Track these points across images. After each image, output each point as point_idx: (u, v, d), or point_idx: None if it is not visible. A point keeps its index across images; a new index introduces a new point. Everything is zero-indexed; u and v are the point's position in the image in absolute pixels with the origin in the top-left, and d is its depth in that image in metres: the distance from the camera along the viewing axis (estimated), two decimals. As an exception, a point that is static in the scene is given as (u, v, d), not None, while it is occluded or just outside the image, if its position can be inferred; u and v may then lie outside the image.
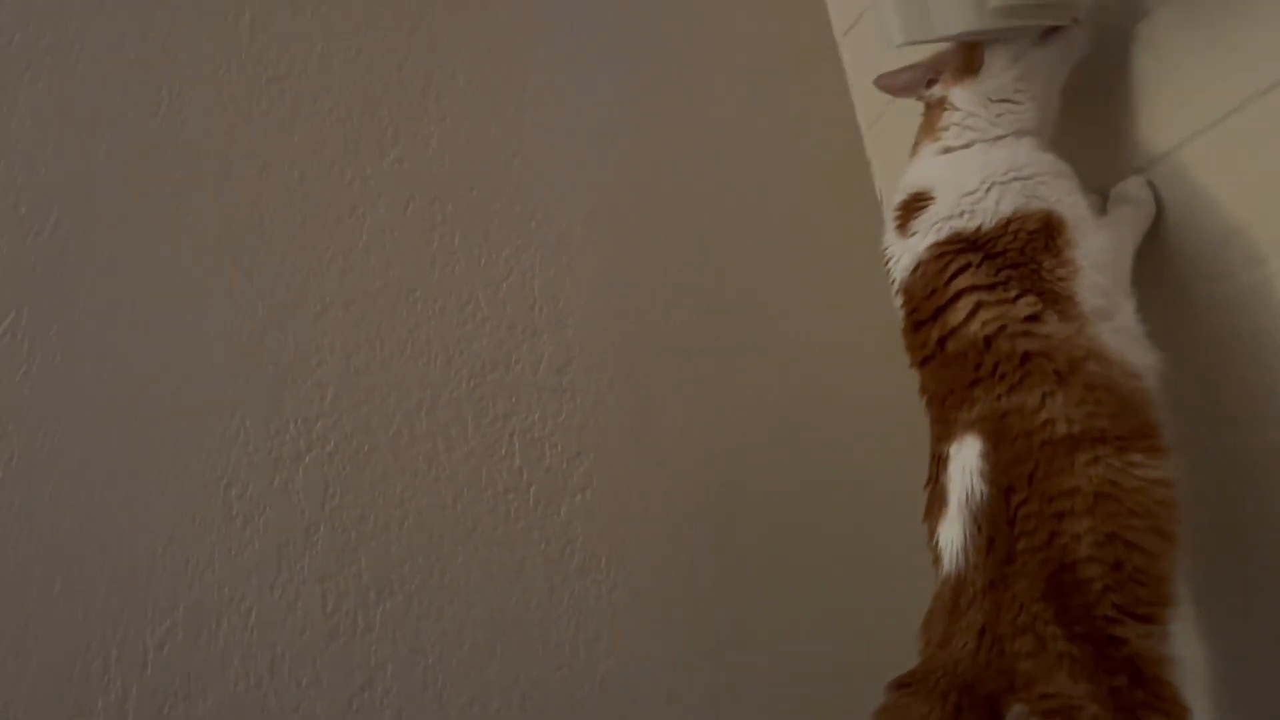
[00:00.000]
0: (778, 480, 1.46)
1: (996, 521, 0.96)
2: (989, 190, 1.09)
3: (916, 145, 1.22)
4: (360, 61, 1.44)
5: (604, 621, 1.36)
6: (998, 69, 1.14)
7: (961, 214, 1.09)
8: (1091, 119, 1.22)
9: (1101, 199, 1.16)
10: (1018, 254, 1.05)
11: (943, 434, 1.05)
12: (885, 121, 1.59)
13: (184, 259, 1.31)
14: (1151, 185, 1.14)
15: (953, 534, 0.99)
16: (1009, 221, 1.06)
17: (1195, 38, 1.08)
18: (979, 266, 1.05)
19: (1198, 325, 1.11)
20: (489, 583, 1.33)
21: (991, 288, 1.04)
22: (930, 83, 1.21)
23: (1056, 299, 1.02)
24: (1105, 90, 1.19)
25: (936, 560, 1.03)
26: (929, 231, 1.10)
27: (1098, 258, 1.05)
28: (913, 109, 1.34)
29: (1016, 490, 0.95)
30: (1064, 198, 1.08)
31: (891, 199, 1.20)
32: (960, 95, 1.17)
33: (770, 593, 1.42)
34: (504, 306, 1.42)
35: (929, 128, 1.21)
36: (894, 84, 1.23)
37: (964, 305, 1.05)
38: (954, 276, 1.06)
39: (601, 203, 1.51)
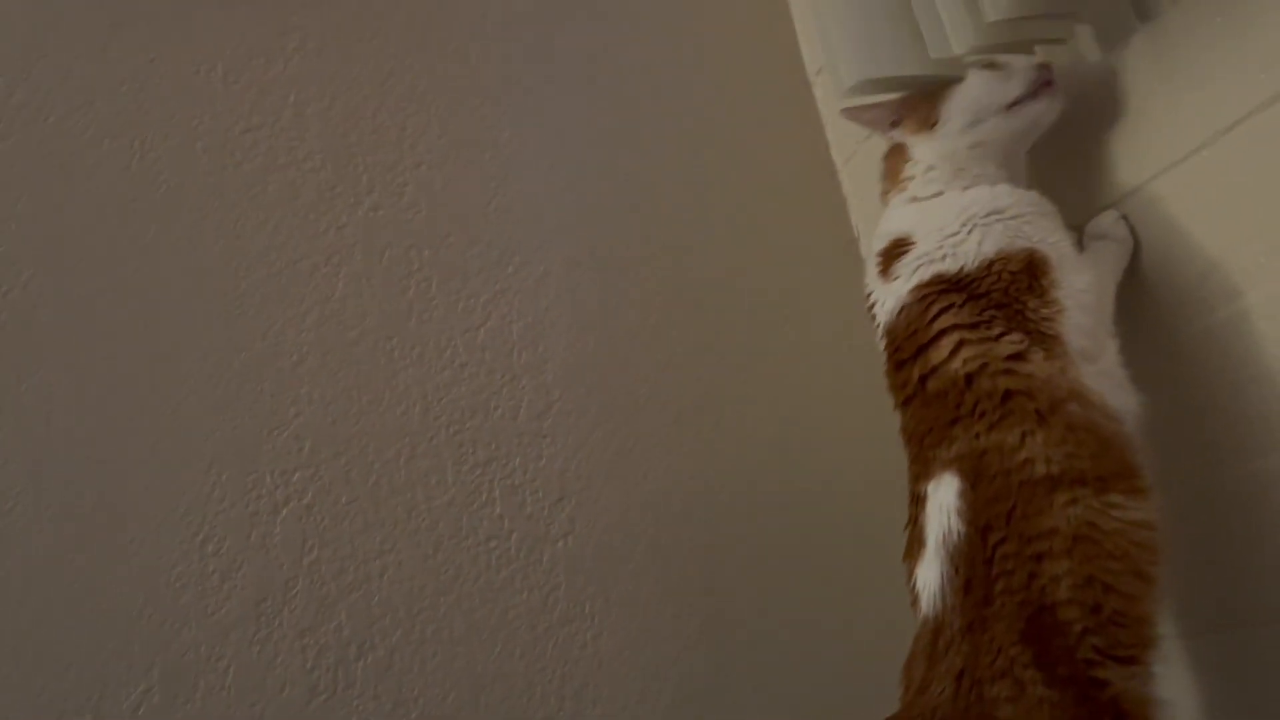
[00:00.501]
0: (764, 521, 1.45)
1: (974, 562, 0.94)
2: (970, 231, 1.08)
3: (885, 192, 1.22)
4: (334, 111, 1.44)
5: (590, 670, 1.34)
6: (954, 130, 1.15)
7: (943, 256, 1.08)
8: (1061, 154, 1.23)
9: (1078, 235, 1.17)
10: (1001, 294, 1.04)
11: (921, 473, 1.04)
12: (860, 159, 1.59)
13: (157, 313, 1.30)
14: (1126, 220, 1.14)
15: (930, 575, 0.98)
16: (992, 262, 1.05)
17: (1164, 73, 1.09)
18: (962, 306, 1.05)
19: (1178, 361, 1.11)
20: (472, 633, 1.31)
21: (974, 326, 1.03)
22: (894, 124, 1.21)
23: (1042, 338, 1.01)
24: (1076, 126, 1.20)
25: (915, 602, 1.01)
26: (911, 274, 1.10)
27: (1082, 298, 1.05)
28: (883, 148, 1.35)
29: (994, 530, 0.94)
30: (1047, 237, 1.08)
31: (872, 244, 1.20)
32: (919, 148, 1.18)
33: (760, 636, 1.41)
34: (483, 352, 1.41)
35: (893, 174, 1.21)
36: (860, 118, 1.24)
37: (946, 344, 1.04)
38: (937, 316, 1.06)
39: (580, 245, 1.50)
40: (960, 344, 1.03)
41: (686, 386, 1.48)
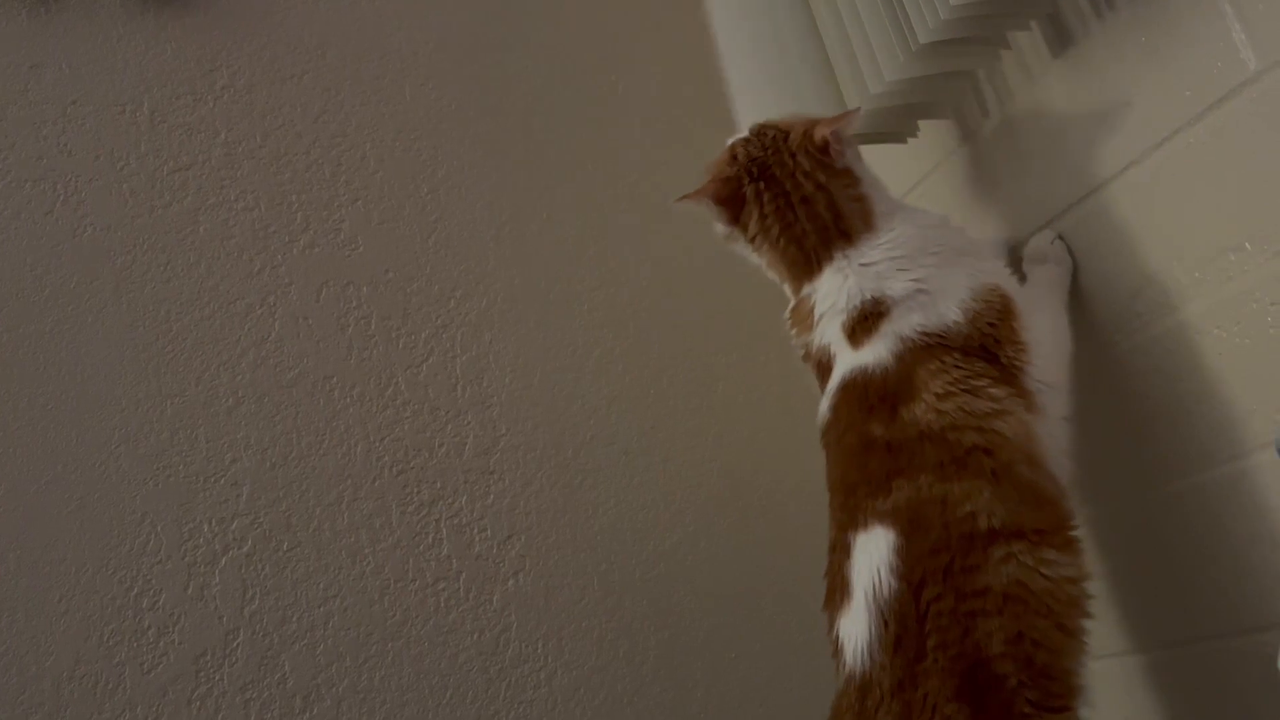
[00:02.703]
0: (716, 554, 1.44)
1: (905, 618, 0.93)
2: (940, 272, 1.04)
3: (839, 240, 1.08)
4: (266, 148, 1.42)
5: (545, 711, 1.31)
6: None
7: (925, 314, 1.02)
8: (993, 176, 1.24)
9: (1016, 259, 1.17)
10: (989, 342, 1.01)
11: (848, 521, 1.01)
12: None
13: (85, 360, 1.26)
14: (1063, 240, 1.15)
15: (857, 629, 0.96)
16: (974, 304, 1.02)
17: (1092, 93, 1.11)
18: (950, 361, 1.00)
19: (1115, 376, 1.12)
20: (422, 679, 1.28)
21: (961, 380, 0.99)
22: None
23: (1018, 388, 0.99)
24: (1007, 148, 1.21)
25: (836, 653, 0.99)
26: (893, 336, 1.03)
27: (1043, 338, 1.03)
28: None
29: (929, 585, 0.93)
30: (1001, 270, 1.06)
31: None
32: (862, 167, 1.12)
33: (715, 670, 1.39)
34: (425, 389, 1.39)
35: (853, 204, 1.09)
36: (839, 135, 1.10)
37: (927, 398, 0.99)
38: (920, 373, 1.00)
39: (522, 278, 1.49)
40: (941, 397, 0.99)
41: (634, 420, 1.47)
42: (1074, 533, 0.97)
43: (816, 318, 1.08)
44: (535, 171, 1.55)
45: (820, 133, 1.09)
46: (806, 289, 1.10)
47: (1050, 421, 1.01)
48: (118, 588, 1.19)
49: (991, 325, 1.01)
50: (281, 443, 1.31)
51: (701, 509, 1.46)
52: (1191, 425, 1.04)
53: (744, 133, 1.15)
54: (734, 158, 1.13)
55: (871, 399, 1.02)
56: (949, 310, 1.02)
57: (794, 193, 1.09)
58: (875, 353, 1.03)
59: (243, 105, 1.42)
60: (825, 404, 1.08)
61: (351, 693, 1.24)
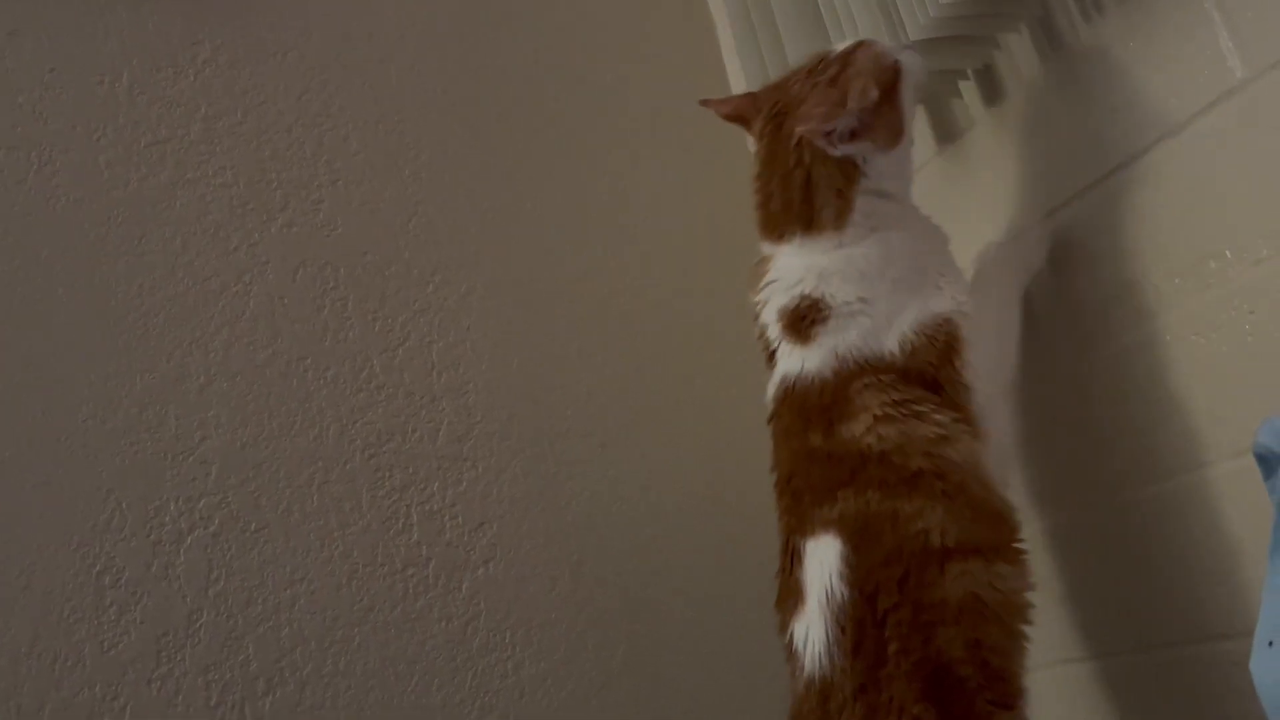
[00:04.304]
0: (690, 549, 1.42)
1: (862, 625, 0.93)
2: (893, 294, 1.00)
3: (799, 224, 1.03)
4: (246, 125, 1.40)
5: (511, 701, 1.30)
6: (908, 147, 1.06)
7: (865, 334, 0.99)
8: (976, 179, 1.23)
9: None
10: (930, 371, 0.99)
11: (796, 526, 1.01)
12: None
13: (55, 333, 1.24)
14: (1044, 239, 1.14)
15: (813, 634, 0.96)
16: (915, 343, 0.99)
17: (1079, 99, 1.10)
18: (888, 385, 0.98)
19: (1089, 384, 1.11)
20: (387, 666, 1.27)
21: (900, 404, 0.97)
22: (853, 135, 1.01)
23: (962, 413, 0.98)
24: (989, 152, 1.21)
25: (791, 655, 0.99)
26: (829, 348, 1.00)
27: (987, 361, 1.02)
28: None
29: (884, 594, 0.93)
30: (958, 294, 1.02)
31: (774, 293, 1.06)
32: (875, 170, 1.02)
33: (685, 666, 1.38)
34: (400, 373, 1.37)
35: (830, 197, 1.02)
36: (814, 131, 1.00)
37: (865, 420, 0.97)
38: (860, 393, 0.98)
39: (504, 265, 1.47)
40: (881, 420, 0.97)
41: (612, 412, 1.46)
42: (1020, 545, 0.99)
43: (764, 284, 1.07)
44: (520, 160, 1.53)
45: (798, 128, 1.02)
46: (767, 249, 1.08)
47: (995, 443, 1.01)
48: (80, 564, 1.17)
49: (931, 364, 0.99)
50: (253, 423, 1.29)
51: (678, 504, 1.44)
52: (1165, 432, 1.04)
53: (839, 48, 1.06)
54: (779, 86, 1.06)
55: (809, 410, 1.01)
56: (887, 340, 0.99)
57: (780, 156, 1.04)
58: (812, 361, 1.01)
59: (224, 80, 1.40)
60: (770, 392, 1.06)
61: (316, 676, 1.23)
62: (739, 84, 1.67)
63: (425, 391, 1.38)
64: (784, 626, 1.01)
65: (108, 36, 1.36)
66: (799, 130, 1.01)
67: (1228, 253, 0.97)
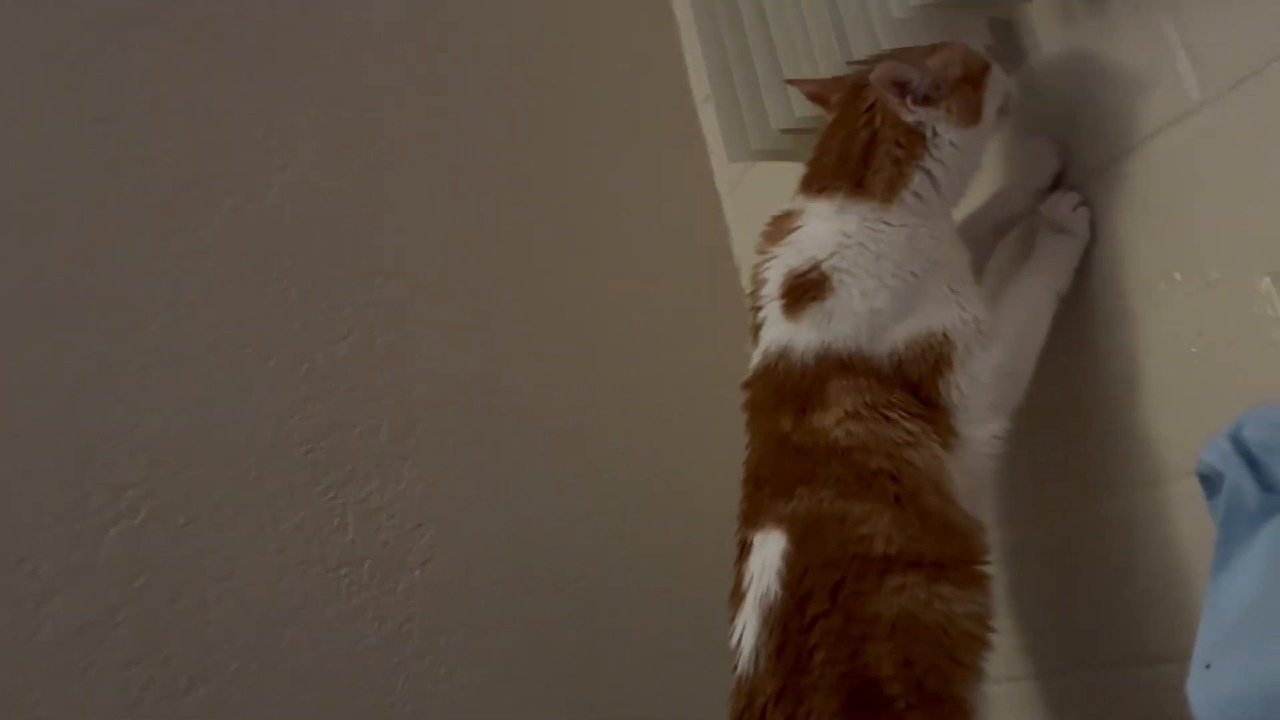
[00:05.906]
0: (637, 556, 1.40)
1: (788, 629, 0.91)
2: (894, 298, 0.97)
3: (848, 182, 0.99)
4: (195, 106, 1.36)
5: (445, 707, 1.27)
6: (985, 133, 1.01)
7: (857, 331, 0.97)
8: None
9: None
10: (912, 381, 0.96)
11: (752, 517, 0.99)
12: (744, 188, 1.58)
13: (-20, 311, 1.20)
14: (1089, 208, 1.03)
15: (747, 633, 0.94)
16: (903, 355, 0.96)
17: (1034, 117, 1.10)
18: (866, 388, 0.95)
19: (1036, 402, 1.10)
20: (318, 666, 1.23)
21: (873, 406, 0.95)
22: (926, 99, 0.98)
23: (939, 424, 0.96)
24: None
25: (736, 650, 0.97)
26: (818, 334, 0.97)
27: (984, 380, 0.97)
28: (772, 175, 1.32)
29: (815, 599, 0.91)
30: (962, 313, 0.98)
31: (780, 252, 1.03)
32: (946, 147, 0.99)
33: (629, 669, 1.36)
34: (343, 367, 1.34)
35: (888, 163, 0.98)
36: (885, 76, 0.97)
37: (836, 412, 0.95)
38: (836, 389, 0.96)
39: (454, 262, 1.45)
40: (851, 416, 0.95)
41: (559, 416, 1.43)
42: (982, 568, 0.94)
43: (785, 238, 1.02)
44: (475, 155, 1.51)
45: (872, 75, 0.98)
46: (800, 203, 1.03)
47: (970, 456, 0.97)
48: (-4, 552, 1.13)
49: (919, 377, 0.97)
50: (187, 412, 1.25)
51: (628, 510, 1.42)
52: (1112, 452, 1.04)
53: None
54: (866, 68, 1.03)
55: (785, 391, 0.99)
56: (880, 343, 0.97)
57: (849, 118, 1.01)
58: (799, 341, 0.99)
59: (173, 59, 1.36)
60: (753, 362, 1.04)
61: (241, 676, 1.19)
62: (699, 88, 1.66)
63: (368, 387, 1.35)
64: (731, 620, 0.99)
65: (53, 7, 1.31)
66: (873, 76, 0.97)
67: (1177, 275, 0.97)
